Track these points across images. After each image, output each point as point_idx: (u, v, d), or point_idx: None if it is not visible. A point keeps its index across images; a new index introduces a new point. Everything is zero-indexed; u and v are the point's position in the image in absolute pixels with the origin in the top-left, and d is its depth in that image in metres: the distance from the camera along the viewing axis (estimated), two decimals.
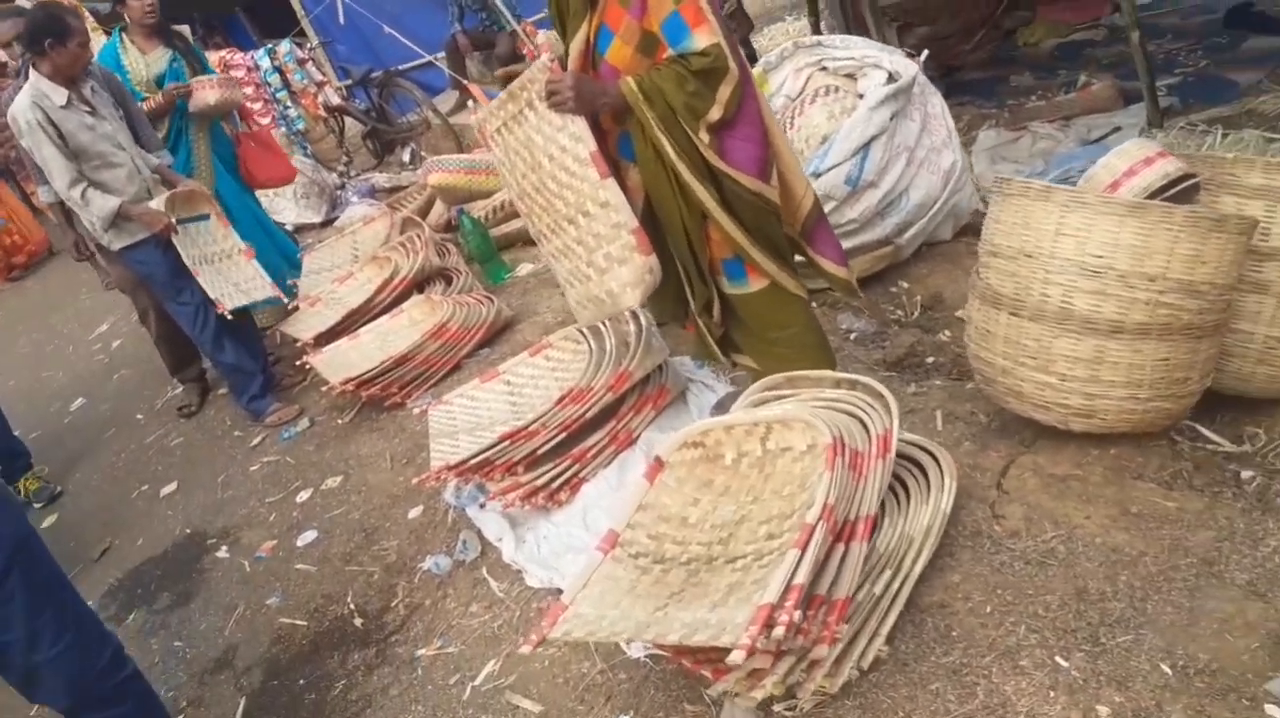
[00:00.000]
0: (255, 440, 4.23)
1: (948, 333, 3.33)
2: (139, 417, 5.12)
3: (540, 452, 2.88)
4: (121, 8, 4.63)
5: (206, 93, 4.64)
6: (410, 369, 3.95)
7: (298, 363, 4.36)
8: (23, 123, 3.71)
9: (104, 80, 4.26)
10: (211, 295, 4.02)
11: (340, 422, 4.06)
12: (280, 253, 5.40)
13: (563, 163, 2.22)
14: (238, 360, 4.26)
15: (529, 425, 2.87)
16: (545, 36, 6.79)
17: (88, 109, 3.87)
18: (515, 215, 5.28)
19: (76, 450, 5.03)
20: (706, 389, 3.14)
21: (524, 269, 4.94)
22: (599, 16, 2.23)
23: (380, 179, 7.44)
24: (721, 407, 3.01)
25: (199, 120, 4.81)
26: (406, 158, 7.99)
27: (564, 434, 2.88)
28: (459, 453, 2.98)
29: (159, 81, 4.71)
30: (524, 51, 6.95)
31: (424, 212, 5.95)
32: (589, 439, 2.92)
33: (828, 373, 2.32)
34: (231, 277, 4.22)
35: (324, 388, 3.98)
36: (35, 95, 3.72)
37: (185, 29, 4.98)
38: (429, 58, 8.01)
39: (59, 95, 3.76)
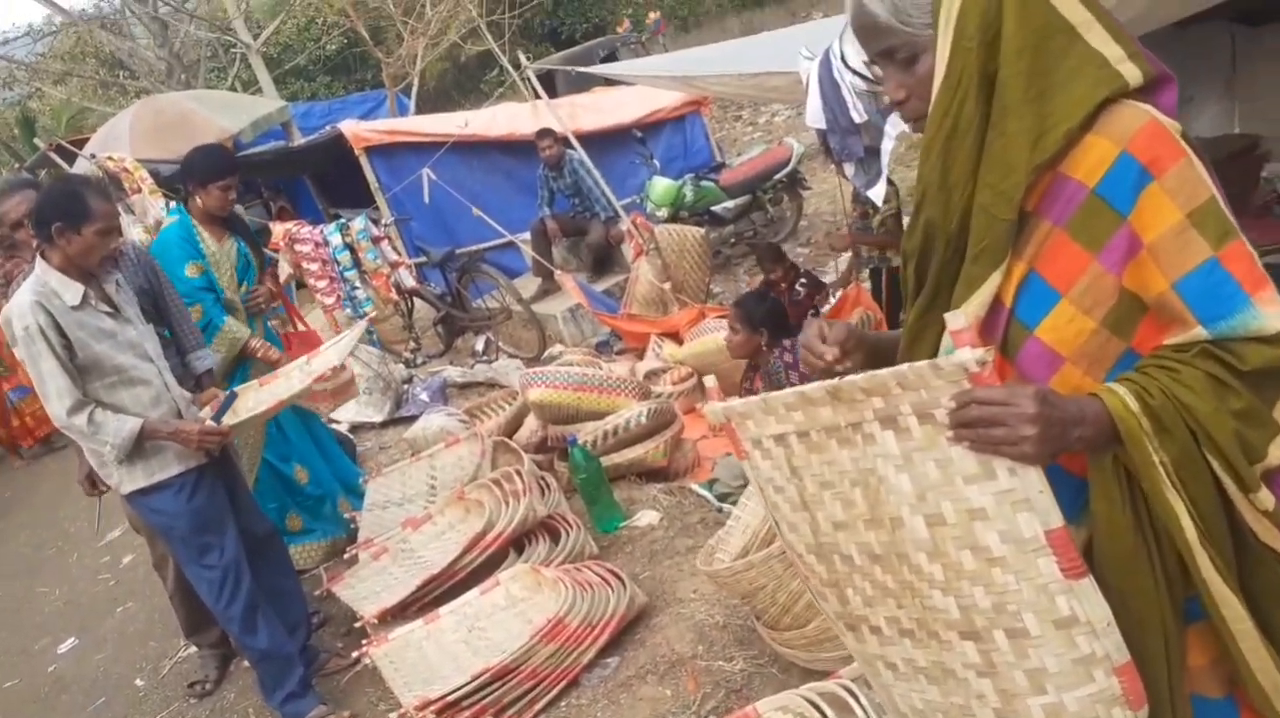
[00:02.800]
0: None
1: None
2: (139, 682, 3.98)
3: None
4: (198, 194, 3.85)
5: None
6: (512, 687, 2.82)
7: (354, 652, 3.24)
8: (18, 329, 2.79)
9: (137, 265, 3.39)
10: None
11: None
12: (339, 478, 4.41)
13: (967, 535, 1.16)
14: (272, 645, 3.16)
15: None
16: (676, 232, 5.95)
17: (108, 310, 2.95)
18: (630, 442, 4.25)
19: None
20: None
21: (643, 517, 3.87)
22: (1027, 262, 1.22)
23: (452, 373, 6.51)
24: None
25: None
26: (480, 347, 7.09)
27: None
28: None
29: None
30: (630, 245, 6.14)
31: (512, 427, 4.95)
32: None
33: None
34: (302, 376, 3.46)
35: (393, 713, 2.84)
36: (41, 293, 2.81)
37: (239, 209, 4.22)
38: (513, 238, 7.26)
39: (71, 293, 2.85)
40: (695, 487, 4.08)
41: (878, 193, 3.84)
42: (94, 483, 3.46)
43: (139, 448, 2.95)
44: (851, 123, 3.64)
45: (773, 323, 3.72)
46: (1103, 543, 1.21)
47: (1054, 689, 1.15)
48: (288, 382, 3.49)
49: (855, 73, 3.62)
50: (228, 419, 3.14)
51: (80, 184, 2.91)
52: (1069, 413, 1.11)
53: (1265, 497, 1.13)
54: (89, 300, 2.90)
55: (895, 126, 3.78)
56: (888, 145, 3.71)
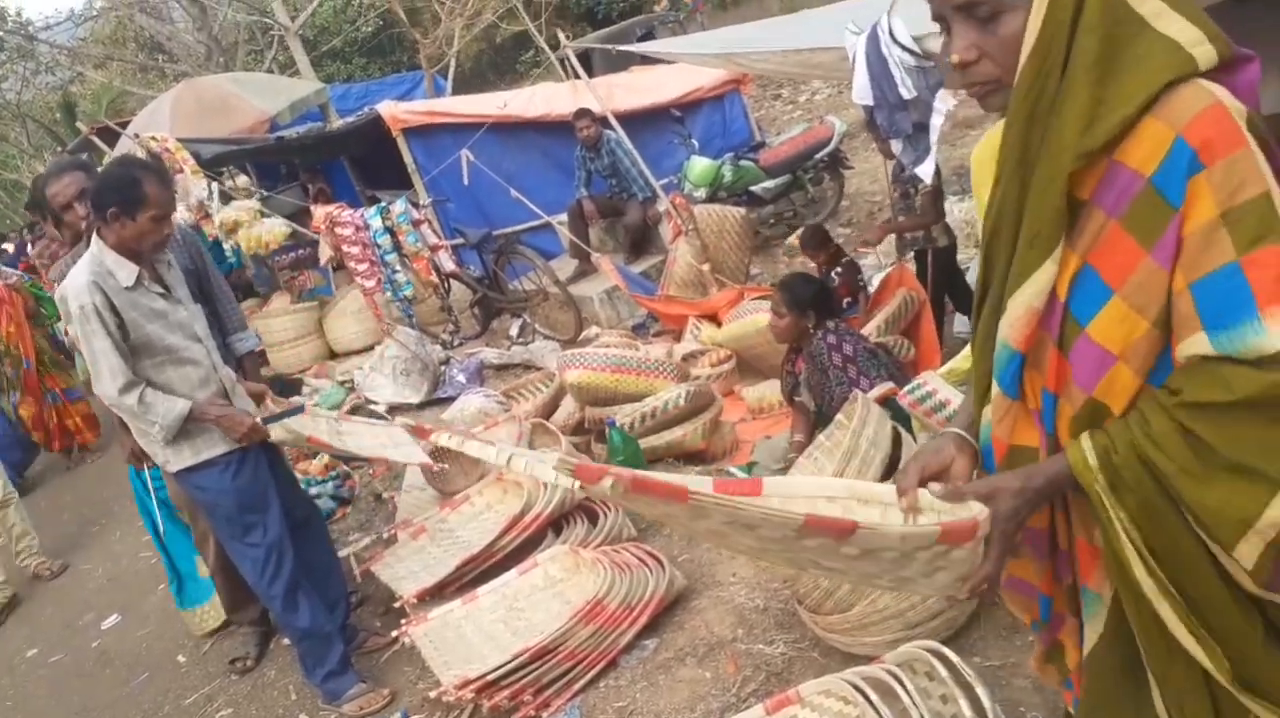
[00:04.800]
0: None
1: None
2: (180, 658, 4.03)
3: None
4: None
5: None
6: (551, 667, 2.81)
7: (393, 632, 3.25)
8: (74, 307, 2.80)
9: (182, 246, 3.40)
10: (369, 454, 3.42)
11: None
12: None
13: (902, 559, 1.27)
14: (313, 623, 3.17)
15: None
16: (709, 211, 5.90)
17: (160, 290, 2.96)
18: (668, 424, 4.23)
19: (100, 700, 3.94)
20: None
21: None
22: (1081, 254, 1.16)
23: (489, 354, 6.52)
24: None
25: None
26: (515, 331, 7.08)
27: None
28: None
29: None
30: (668, 225, 6.09)
31: (549, 409, 4.94)
32: None
33: None
34: (373, 440, 3.44)
35: (432, 691, 2.84)
36: (97, 273, 2.82)
37: None
38: (550, 220, 7.23)
39: (126, 273, 2.86)
40: (734, 469, 4.05)
41: (926, 170, 3.76)
42: (139, 459, 3.49)
43: (185, 428, 2.97)
44: (900, 98, 3.56)
45: (819, 305, 3.67)
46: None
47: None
48: (321, 427, 3.34)
49: (904, 48, 3.55)
50: (274, 429, 3.13)
51: (139, 169, 2.89)
52: (1035, 500, 1.22)
53: (1246, 552, 1.08)
54: (142, 281, 2.91)
55: (945, 103, 3.70)
56: (936, 121, 3.63)
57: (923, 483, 1.28)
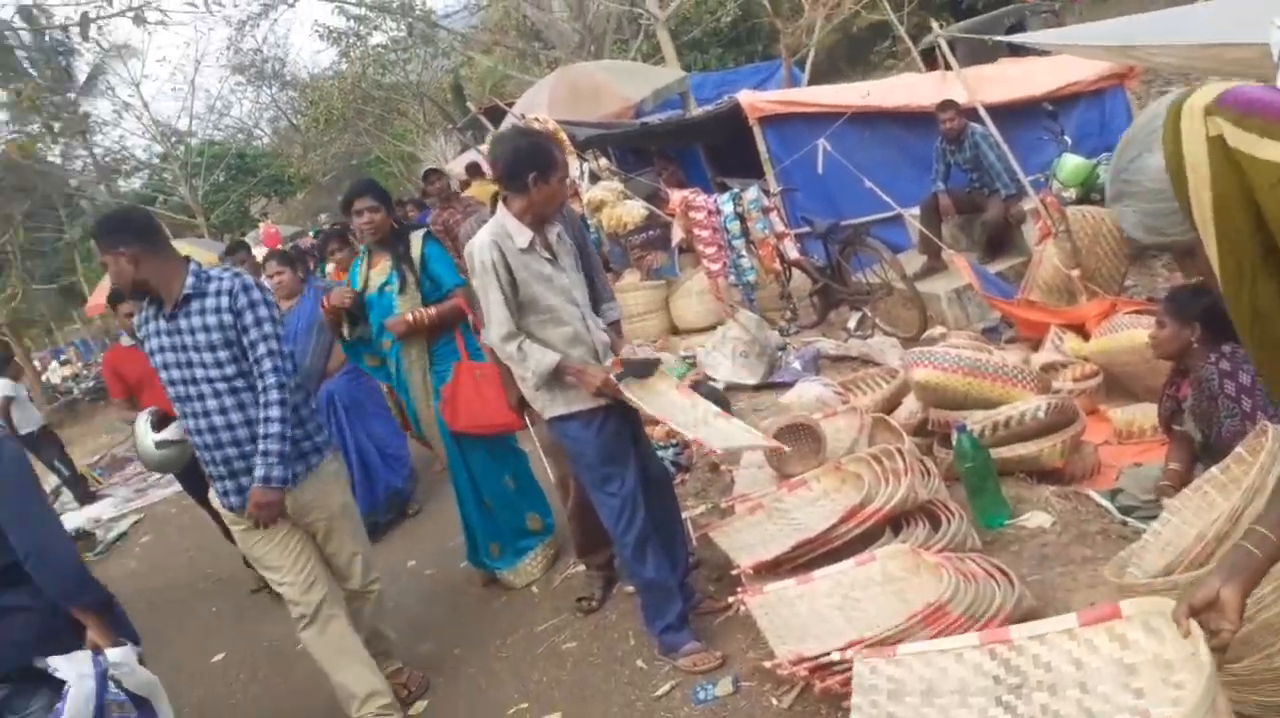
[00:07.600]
0: (662, 687, 3.29)
1: None
2: (534, 589, 4.45)
3: None
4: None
5: None
6: None
7: (729, 598, 3.38)
8: (478, 261, 3.23)
9: (566, 220, 3.73)
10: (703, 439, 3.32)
11: (776, 703, 2.99)
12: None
13: None
14: (658, 575, 3.39)
15: None
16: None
17: (549, 257, 3.31)
18: (1024, 437, 4.01)
19: (463, 615, 4.45)
20: None
21: (1033, 519, 3.63)
22: None
23: (826, 345, 6.53)
24: None
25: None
26: (853, 324, 7.02)
27: None
28: None
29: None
30: (1034, 225, 5.75)
31: (889, 405, 4.87)
32: None
33: None
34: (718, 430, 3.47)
35: (766, 662, 2.93)
36: (497, 234, 3.23)
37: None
38: (903, 212, 7.06)
39: (522, 237, 3.24)
40: (1094, 494, 3.76)
41: None
42: (521, 409, 3.88)
43: (558, 381, 3.28)
44: None
45: (1208, 320, 3.32)
46: None
47: None
48: (681, 411, 3.47)
49: None
50: (624, 386, 3.34)
51: (543, 138, 3.28)
52: None
53: None
54: (534, 246, 3.26)
55: None
56: None
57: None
